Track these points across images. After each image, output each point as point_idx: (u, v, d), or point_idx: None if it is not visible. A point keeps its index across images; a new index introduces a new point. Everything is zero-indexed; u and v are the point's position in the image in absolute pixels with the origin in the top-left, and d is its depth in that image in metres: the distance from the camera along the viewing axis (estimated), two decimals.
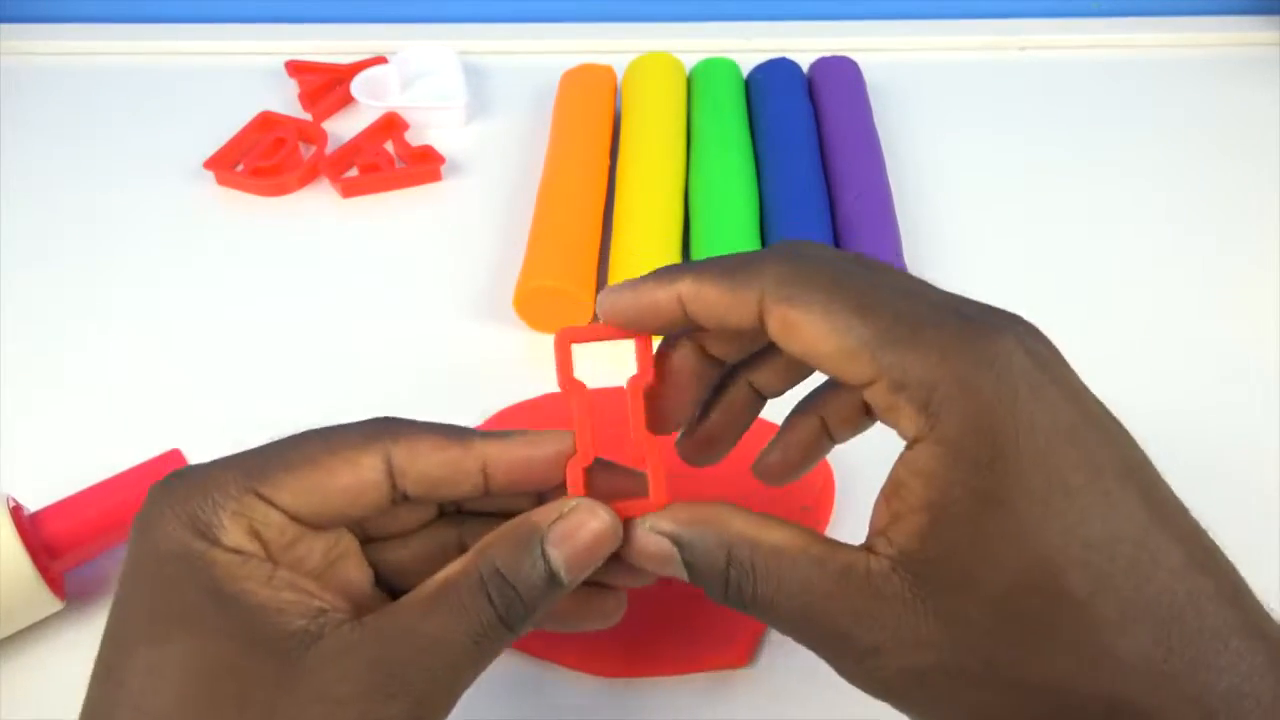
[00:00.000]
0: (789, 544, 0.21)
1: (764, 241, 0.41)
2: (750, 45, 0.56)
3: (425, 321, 0.41)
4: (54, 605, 0.30)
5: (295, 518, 0.23)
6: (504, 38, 0.58)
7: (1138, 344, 0.40)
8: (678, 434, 0.26)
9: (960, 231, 0.45)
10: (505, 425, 0.36)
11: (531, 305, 0.39)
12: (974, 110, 0.53)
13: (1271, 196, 0.47)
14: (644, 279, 0.23)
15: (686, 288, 0.22)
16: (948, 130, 0.51)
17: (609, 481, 0.24)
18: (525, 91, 0.54)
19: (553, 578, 0.22)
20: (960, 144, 0.50)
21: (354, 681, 0.20)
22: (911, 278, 0.22)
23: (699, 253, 0.40)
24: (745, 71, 0.51)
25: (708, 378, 0.25)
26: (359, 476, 0.23)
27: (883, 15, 0.59)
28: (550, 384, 0.37)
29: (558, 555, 0.22)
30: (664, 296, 0.22)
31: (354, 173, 0.48)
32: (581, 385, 0.24)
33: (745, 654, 0.30)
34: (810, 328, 0.20)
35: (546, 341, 0.40)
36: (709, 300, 0.22)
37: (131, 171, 0.49)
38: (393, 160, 0.49)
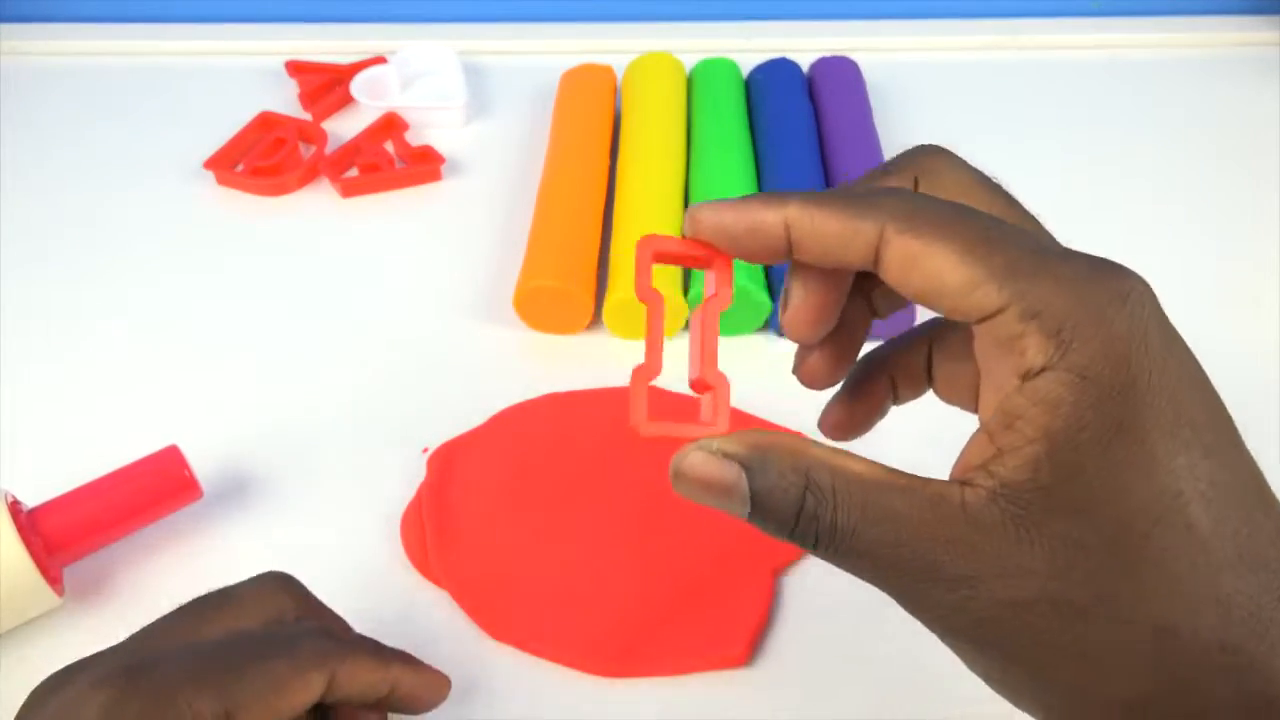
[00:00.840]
0: (873, 473, 0.20)
1: None
2: (750, 45, 0.56)
3: (425, 321, 0.41)
4: (52, 601, 0.30)
5: None
6: (504, 38, 0.58)
7: None
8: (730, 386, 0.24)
9: None
10: (505, 425, 0.36)
11: (531, 305, 0.39)
12: (974, 110, 0.53)
13: (1272, 196, 0.47)
14: (748, 198, 0.21)
15: (795, 212, 0.20)
16: (948, 130, 0.51)
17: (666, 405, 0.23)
18: (525, 91, 0.54)
19: None
20: (960, 144, 0.49)
21: None
22: (1030, 230, 0.22)
23: None
24: (745, 71, 0.51)
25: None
26: (310, 696, 0.23)
27: (883, 15, 0.59)
28: (550, 384, 0.38)
29: None
30: (771, 219, 0.21)
31: (354, 173, 0.48)
32: (659, 297, 0.22)
33: (744, 654, 0.30)
34: (936, 259, 0.19)
35: (547, 341, 0.40)
36: (822, 228, 0.20)
37: (131, 171, 0.49)
38: (392, 160, 0.49)
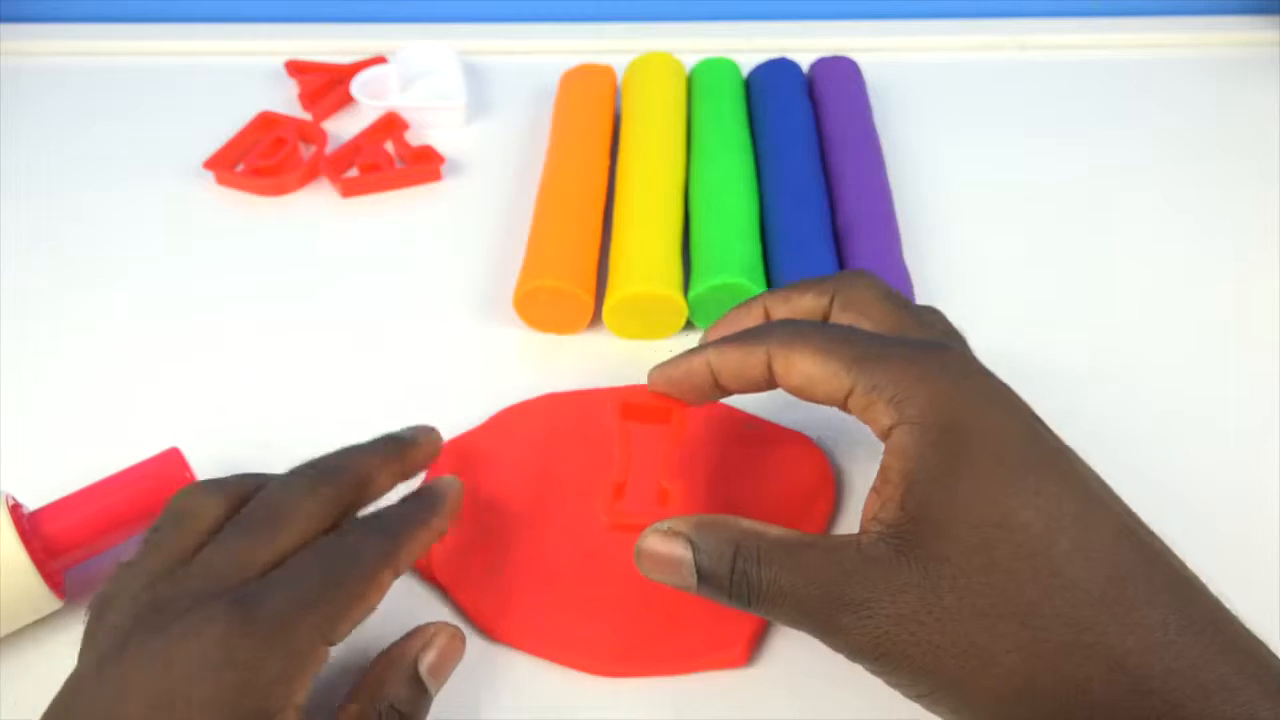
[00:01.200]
0: (789, 535, 0.25)
1: (764, 242, 0.41)
2: (750, 45, 0.56)
3: (425, 321, 0.41)
4: (54, 604, 0.30)
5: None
6: (504, 38, 0.58)
7: (1137, 342, 0.40)
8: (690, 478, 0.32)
9: (960, 231, 0.45)
10: (505, 425, 0.36)
11: (531, 305, 0.39)
12: (974, 110, 0.53)
13: (1272, 196, 0.47)
14: (679, 355, 0.30)
15: (712, 355, 0.28)
16: (948, 130, 0.51)
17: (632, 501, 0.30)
18: (525, 91, 0.54)
19: (425, 693, 0.27)
20: (960, 144, 0.50)
21: None
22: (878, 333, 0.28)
23: (699, 253, 0.40)
24: (745, 71, 0.51)
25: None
26: (384, 595, 0.27)
27: (883, 15, 0.59)
28: (550, 384, 0.38)
29: (427, 674, 0.27)
30: (697, 364, 0.29)
31: (354, 173, 0.48)
32: (629, 432, 0.31)
33: (744, 654, 0.30)
34: (804, 362, 0.26)
35: (546, 341, 0.40)
36: (731, 362, 0.28)
37: (131, 171, 0.49)
38: (393, 160, 0.49)
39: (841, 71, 0.50)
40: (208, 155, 0.49)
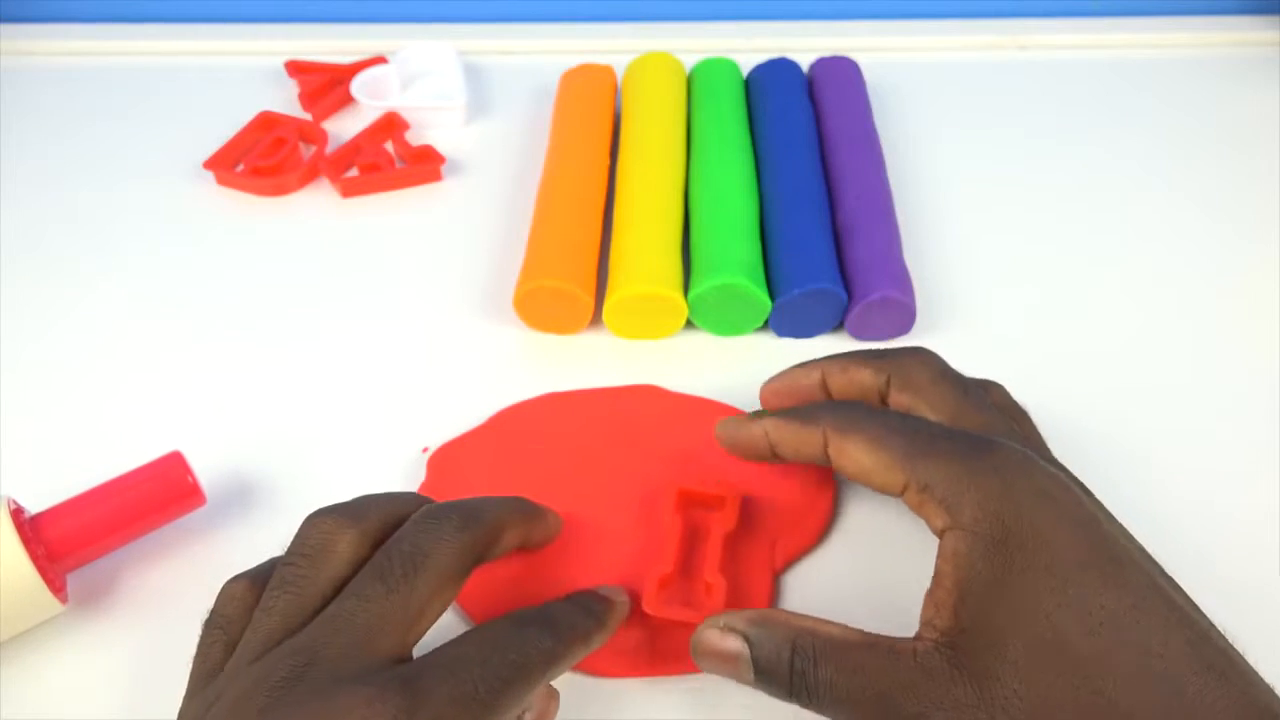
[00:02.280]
0: (846, 635, 0.25)
1: (764, 242, 0.41)
2: (750, 45, 0.56)
3: (425, 321, 0.41)
4: (55, 608, 0.30)
5: None
6: (504, 38, 0.58)
7: (1137, 341, 0.40)
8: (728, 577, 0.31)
9: (960, 231, 0.45)
10: (505, 425, 0.36)
11: (531, 305, 0.39)
12: (974, 110, 0.53)
13: (1272, 197, 0.47)
14: (742, 420, 0.31)
15: (770, 425, 0.30)
16: (948, 130, 0.51)
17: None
18: (525, 91, 0.54)
19: None
20: (960, 144, 0.50)
21: None
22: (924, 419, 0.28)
23: (699, 253, 0.40)
24: (745, 71, 0.51)
25: None
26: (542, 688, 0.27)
27: (883, 15, 0.59)
28: (550, 384, 0.38)
29: None
30: (757, 432, 0.30)
31: (354, 173, 0.48)
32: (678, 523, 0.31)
33: None
34: (857, 452, 0.27)
35: (547, 341, 0.40)
36: (788, 437, 0.29)
37: (131, 172, 0.49)
38: (393, 160, 0.49)
39: (841, 71, 0.50)
40: (208, 155, 0.48)
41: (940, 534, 0.25)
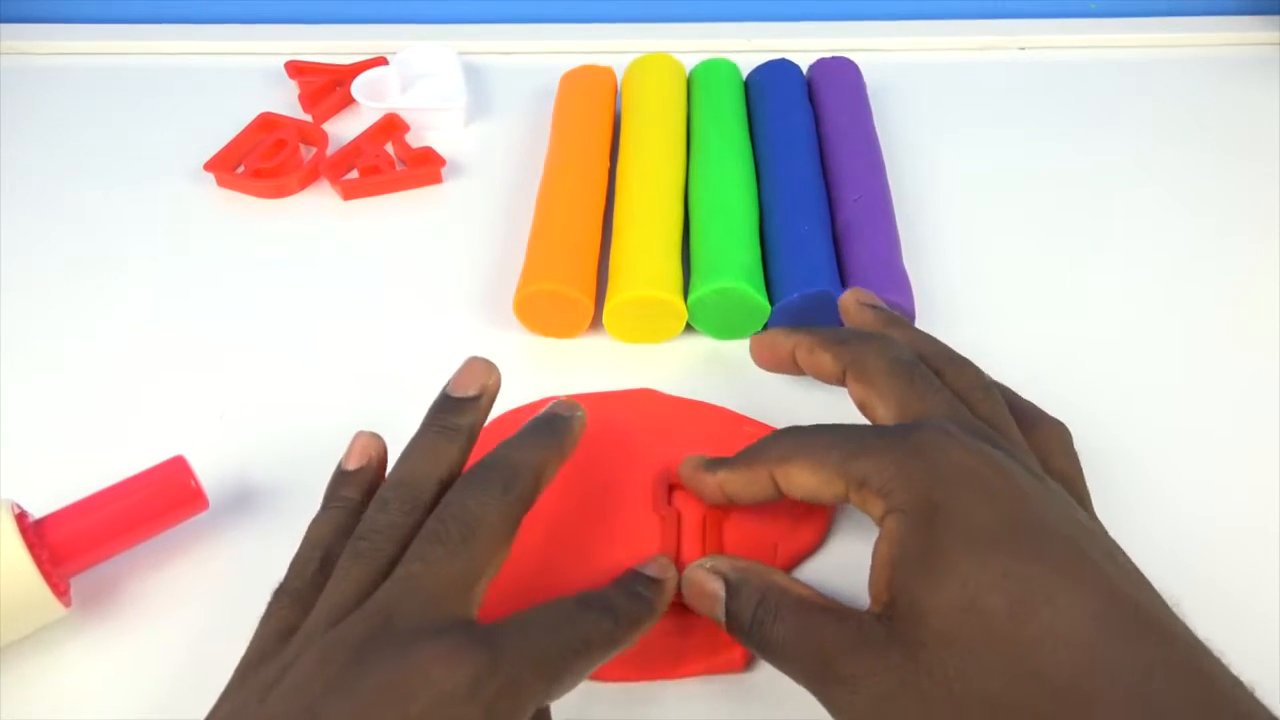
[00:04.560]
0: (811, 596, 0.27)
1: (764, 243, 0.41)
2: (750, 45, 0.56)
3: (425, 324, 0.42)
4: (59, 611, 0.30)
5: None
6: (504, 38, 0.58)
7: (1137, 341, 0.40)
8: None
9: (960, 231, 0.45)
10: (505, 429, 0.36)
11: (531, 309, 0.40)
12: (974, 110, 0.53)
13: (1272, 197, 0.47)
14: (697, 467, 0.32)
15: (723, 476, 0.31)
16: (948, 130, 0.51)
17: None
18: (525, 92, 0.54)
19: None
20: (960, 144, 0.50)
21: None
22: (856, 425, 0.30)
23: (699, 256, 0.40)
24: (745, 72, 0.51)
25: None
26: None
27: (883, 15, 0.59)
28: (550, 388, 0.38)
29: None
30: (711, 483, 0.31)
31: (354, 175, 0.48)
32: (675, 514, 0.33)
33: (742, 658, 0.30)
34: (800, 475, 0.28)
35: (546, 344, 0.41)
36: (738, 485, 0.30)
37: (131, 173, 0.49)
38: (393, 162, 0.49)
39: (841, 72, 0.50)
40: (208, 157, 0.49)
41: (880, 520, 0.26)
